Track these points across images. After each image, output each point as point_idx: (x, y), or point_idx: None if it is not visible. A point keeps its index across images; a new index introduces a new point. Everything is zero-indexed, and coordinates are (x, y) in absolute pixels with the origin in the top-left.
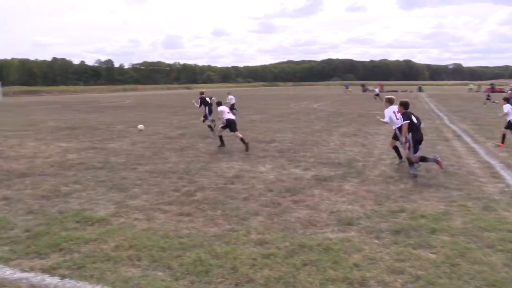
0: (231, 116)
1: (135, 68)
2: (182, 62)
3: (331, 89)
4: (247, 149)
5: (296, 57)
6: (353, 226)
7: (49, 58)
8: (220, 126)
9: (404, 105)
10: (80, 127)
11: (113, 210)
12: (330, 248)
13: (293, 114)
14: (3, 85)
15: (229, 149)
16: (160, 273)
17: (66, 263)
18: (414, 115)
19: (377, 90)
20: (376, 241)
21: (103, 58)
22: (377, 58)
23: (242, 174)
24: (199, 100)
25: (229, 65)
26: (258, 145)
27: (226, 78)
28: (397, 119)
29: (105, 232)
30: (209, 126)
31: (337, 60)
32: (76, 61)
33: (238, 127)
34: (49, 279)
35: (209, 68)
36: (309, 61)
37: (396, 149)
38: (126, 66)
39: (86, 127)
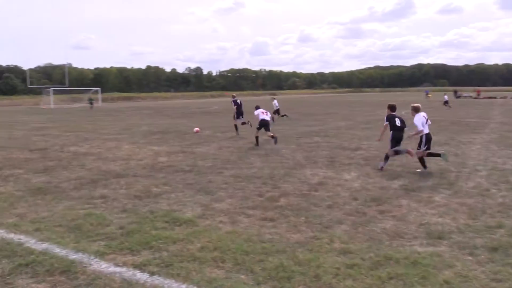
0: (265, 117)
1: (222, 75)
2: (268, 68)
3: (421, 95)
4: (275, 142)
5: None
6: (444, 240)
7: (143, 66)
8: (256, 127)
9: (391, 108)
10: (171, 131)
11: (200, 212)
12: (418, 262)
13: (380, 121)
14: (102, 91)
15: (313, 155)
16: (243, 276)
17: (155, 260)
18: (398, 118)
19: (446, 97)
20: (470, 258)
21: (193, 65)
22: (472, 63)
23: (326, 181)
24: (233, 102)
25: (315, 71)
26: (343, 152)
27: (311, 84)
28: (427, 123)
29: (192, 233)
30: (235, 126)
31: (428, 65)
32: (168, 68)
33: (322, 133)
34: (139, 275)
35: (294, 74)
36: (398, 66)
37: (422, 159)
38: (214, 73)
39: (176, 131)
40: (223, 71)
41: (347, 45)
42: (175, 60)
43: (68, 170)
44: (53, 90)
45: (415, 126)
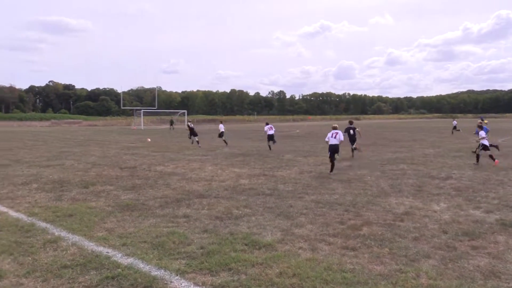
0: (271, 132)
1: (305, 99)
2: (352, 92)
3: None
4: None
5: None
6: None
7: (228, 90)
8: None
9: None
10: (252, 154)
11: (279, 237)
12: None
13: (472, 149)
14: (188, 113)
15: (398, 183)
16: None
17: (233, 283)
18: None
19: (454, 122)
20: None
21: (276, 89)
22: None
23: (412, 211)
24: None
25: (402, 96)
26: (432, 181)
27: (397, 109)
28: None
29: (271, 258)
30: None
31: None
32: (251, 92)
33: (409, 160)
34: None
35: (379, 98)
36: (494, 91)
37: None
38: (297, 97)
39: (258, 154)
40: (306, 95)
41: (438, 68)
42: (259, 83)
43: (154, 188)
44: (144, 111)
45: None
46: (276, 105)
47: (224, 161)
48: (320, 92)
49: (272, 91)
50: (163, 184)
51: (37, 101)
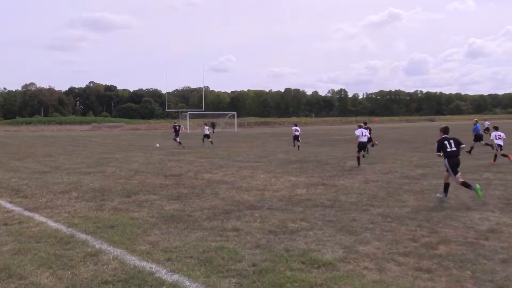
0: (297, 133)
1: (370, 98)
2: (425, 90)
3: None
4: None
5: None
6: None
7: (282, 89)
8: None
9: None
10: (310, 161)
11: (341, 255)
12: None
13: None
14: (238, 116)
15: (482, 195)
16: None
17: None
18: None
19: (486, 123)
20: None
21: (337, 87)
22: None
23: (500, 229)
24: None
25: (485, 93)
26: None
27: (480, 108)
28: None
29: (332, 278)
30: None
31: None
32: (308, 91)
33: (494, 168)
34: None
35: (458, 96)
36: None
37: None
38: (361, 96)
39: (316, 161)
40: (371, 94)
41: None
42: (317, 81)
43: (201, 198)
44: (190, 114)
45: None
46: (336, 105)
47: (278, 168)
48: (387, 90)
49: (332, 90)
50: (211, 193)
51: (77, 104)
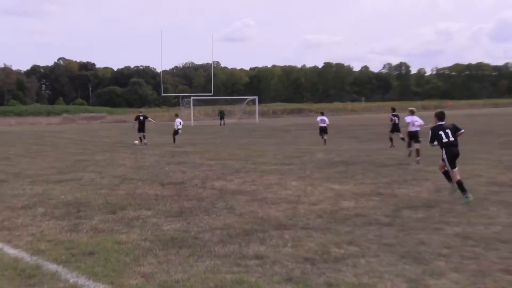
0: (323, 124)
1: (441, 75)
2: None
3: None
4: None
5: None
6: None
7: (320, 64)
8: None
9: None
10: (359, 161)
11: None
12: None
13: None
14: (260, 101)
15: None
16: None
17: None
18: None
19: None
20: None
21: (395, 60)
22: None
23: None
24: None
25: None
26: None
27: None
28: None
29: None
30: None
31: None
32: (356, 66)
33: None
34: None
35: None
36: None
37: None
38: (428, 72)
39: (368, 162)
40: (442, 69)
41: None
42: (368, 53)
43: (211, 214)
44: (194, 99)
45: None
46: (395, 85)
47: (316, 173)
48: (466, 63)
49: (389, 64)
50: (225, 208)
51: (43, 88)
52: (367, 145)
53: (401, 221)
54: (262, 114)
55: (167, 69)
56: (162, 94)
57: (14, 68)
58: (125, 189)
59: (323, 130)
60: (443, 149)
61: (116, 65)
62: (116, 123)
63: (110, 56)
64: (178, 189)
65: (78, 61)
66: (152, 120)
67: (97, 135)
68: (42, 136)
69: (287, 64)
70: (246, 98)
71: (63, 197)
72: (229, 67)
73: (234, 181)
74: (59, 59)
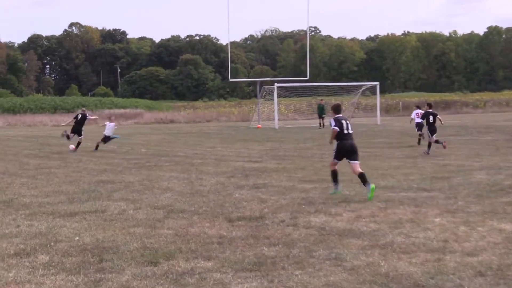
0: (418, 120)
1: None
2: None
3: None
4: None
5: None
6: None
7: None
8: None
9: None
10: None
11: None
12: None
13: None
14: (384, 90)
15: None
16: None
17: None
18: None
19: None
20: None
21: None
22: None
23: None
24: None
25: None
26: None
27: None
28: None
29: None
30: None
31: None
32: None
33: None
34: None
35: None
36: None
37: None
38: None
39: None
40: None
41: None
42: None
43: (306, 268)
44: (279, 88)
45: None
46: None
47: (474, 204)
48: None
49: None
50: (328, 257)
51: (47, 70)
52: None
53: None
54: (386, 110)
55: (238, 40)
56: (230, 80)
57: (2, 40)
58: (172, 227)
59: (420, 128)
60: (339, 142)
61: (158, 35)
62: (159, 123)
63: (149, 22)
64: (255, 228)
65: (100, 28)
66: (91, 117)
67: (129, 142)
68: (45, 144)
69: (427, 30)
70: (362, 85)
71: (77, 238)
72: (335, 36)
73: (342, 216)
74: (71, 25)
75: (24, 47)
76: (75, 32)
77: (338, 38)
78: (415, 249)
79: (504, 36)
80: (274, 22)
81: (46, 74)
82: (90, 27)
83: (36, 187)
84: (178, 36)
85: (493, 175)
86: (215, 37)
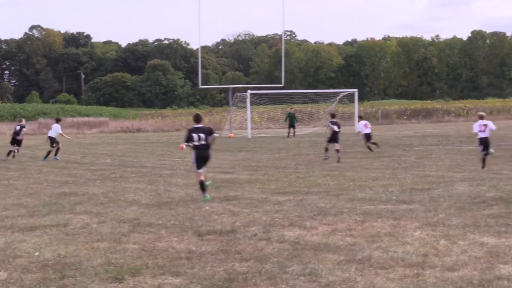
0: (367, 130)
1: None
2: None
3: None
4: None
5: None
6: None
7: (463, 35)
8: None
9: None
10: None
11: None
12: None
13: None
14: (362, 97)
15: None
16: None
17: None
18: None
19: None
20: None
21: None
22: None
23: None
24: None
25: None
26: None
27: None
28: None
29: None
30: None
31: None
32: None
33: None
34: None
35: None
36: None
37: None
38: None
39: None
40: None
41: None
42: None
43: (278, 284)
44: (253, 95)
45: None
46: None
47: (455, 217)
48: None
49: None
50: (302, 273)
51: (6, 76)
52: None
53: None
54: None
55: (209, 44)
56: (201, 86)
57: None
58: (139, 241)
59: (368, 138)
60: (194, 151)
61: (124, 39)
62: (125, 132)
63: (115, 25)
64: (226, 243)
65: (63, 31)
66: (24, 125)
67: (93, 152)
68: (3, 154)
69: (408, 35)
70: (339, 92)
71: (37, 254)
72: (311, 40)
73: (317, 229)
74: (32, 28)
75: None
76: (36, 35)
77: (315, 42)
78: (393, 264)
79: (488, 41)
80: (248, 25)
81: (5, 80)
82: (52, 30)
83: None
84: (146, 40)
85: (475, 187)
86: (185, 41)
